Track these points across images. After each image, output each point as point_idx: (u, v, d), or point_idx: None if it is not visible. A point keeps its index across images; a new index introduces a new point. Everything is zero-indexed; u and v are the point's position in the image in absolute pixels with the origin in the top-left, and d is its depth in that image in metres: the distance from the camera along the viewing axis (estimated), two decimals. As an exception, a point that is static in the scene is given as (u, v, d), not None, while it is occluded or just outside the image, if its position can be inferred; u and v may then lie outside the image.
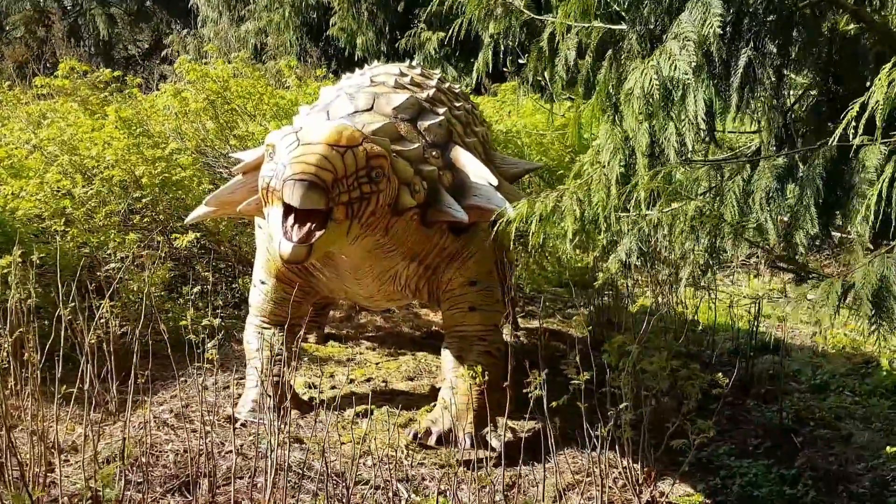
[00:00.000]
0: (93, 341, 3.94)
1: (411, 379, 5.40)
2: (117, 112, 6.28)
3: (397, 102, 4.41)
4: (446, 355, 4.50)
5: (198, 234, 6.13)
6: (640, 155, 3.10)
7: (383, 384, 5.32)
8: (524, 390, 3.53)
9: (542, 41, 3.80)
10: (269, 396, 4.52)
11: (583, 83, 3.69)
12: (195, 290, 5.61)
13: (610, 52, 3.36)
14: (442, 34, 15.52)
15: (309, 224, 3.49)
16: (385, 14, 16.97)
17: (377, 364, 5.70)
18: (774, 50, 3.08)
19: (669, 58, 2.92)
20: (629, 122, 3.15)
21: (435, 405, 4.48)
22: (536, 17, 3.83)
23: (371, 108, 4.39)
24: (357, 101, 4.41)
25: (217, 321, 4.10)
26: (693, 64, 2.89)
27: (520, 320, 6.62)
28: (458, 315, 4.49)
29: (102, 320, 4.19)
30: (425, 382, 5.31)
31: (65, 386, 3.80)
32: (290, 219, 3.52)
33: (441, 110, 4.67)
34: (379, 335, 6.39)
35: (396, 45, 16.00)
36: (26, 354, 3.65)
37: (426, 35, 15.58)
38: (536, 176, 8.37)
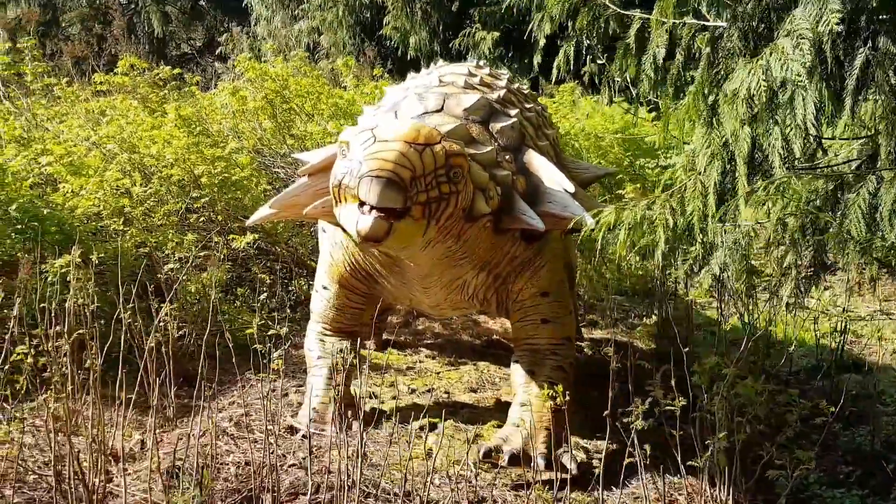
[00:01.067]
0: (153, 345, 3.82)
1: (474, 391, 5.21)
2: (177, 110, 6.17)
3: (468, 103, 4.21)
4: (517, 369, 4.29)
5: (255, 236, 5.99)
6: (741, 161, 2.87)
7: (445, 395, 5.13)
8: (626, 419, 3.30)
9: (629, 38, 3.58)
10: (332, 407, 4.38)
11: (672, 83, 3.47)
12: (262, 296, 5.50)
13: (707, 49, 3.12)
14: (497, 34, 15.33)
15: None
16: (439, 13, 16.80)
17: (438, 374, 5.51)
18: (894, 49, 2.83)
19: (781, 57, 2.69)
20: (729, 126, 2.92)
21: (505, 422, 4.27)
22: (624, 12, 3.61)
23: (441, 109, 4.20)
24: (427, 102, 4.22)
25: (284, 329, 3.91)
26: (807, 64, 2.66)
27: (582, 329, 6.40)
28: (529, 327, 4.29)
29: (162, 323, 4.08)
30: (489, 395, 5.11)
31: (123, 390, 3.67)
32: (366, 207, 3.39)
33: (513, 112, 4.46)
34: (438, 342, 6.20)
35: (450, 44, 15.84)
36: (87, 361, 3.52)
37: (480, 34, 15.39)
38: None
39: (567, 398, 3.44)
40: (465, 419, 4.64)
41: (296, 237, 6.93)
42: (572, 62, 3.99)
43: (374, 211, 3.33)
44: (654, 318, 6.19)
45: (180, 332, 5.34)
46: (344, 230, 3.81)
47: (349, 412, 4.34)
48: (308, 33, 19.88)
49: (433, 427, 4.48)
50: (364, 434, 4.31)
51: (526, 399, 4.15)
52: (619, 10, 3.62)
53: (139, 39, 21.98)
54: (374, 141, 3.41)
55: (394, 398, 5.00)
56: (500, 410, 4.77)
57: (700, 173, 3.00)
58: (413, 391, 5.15)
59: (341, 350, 4.57)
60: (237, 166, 6.09)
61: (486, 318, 6.60)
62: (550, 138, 4.82)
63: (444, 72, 4.86)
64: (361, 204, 3.36)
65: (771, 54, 2.73)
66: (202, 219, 6.18)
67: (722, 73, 3.03)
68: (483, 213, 3.75)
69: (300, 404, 4.87)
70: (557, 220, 3.94)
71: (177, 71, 8.04)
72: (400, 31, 16.90)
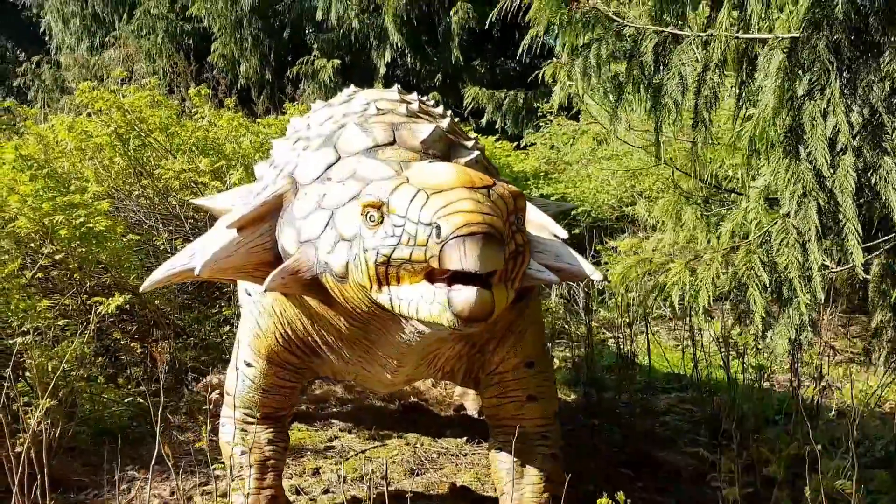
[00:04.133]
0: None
1: (415, 473, 4.43)
2: (18, 149, 5.02)
3: (424, 135, 3.46)
4: (500, 461, 3.57)
5: (127, 297, 4.95)
6: (848, 197, 2.32)
7: (383, 482, 4.31)
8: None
9: (644, 53, 2.99)
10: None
11: (705, 105, 2.90)
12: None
13: (777, 62, 2.56)
14: (337, 62, 14.61)
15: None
16: (271, 40, 15.87)
17: (364, 452, 4.69)
18: None
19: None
20: (820, 156, 2.37)
21: None
22: (636, 25, 3.01)
23: (393, 142, 3.43)
24: (373, 133, 3.43)
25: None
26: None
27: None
28: (511, 406, 3.57)
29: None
30: (436, 478, 4.35)
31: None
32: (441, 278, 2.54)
33: (469, 144, 3.79)
34: (346, 410, 5.38)
35: (287, 72, 14.96)
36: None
37: (320, 62, 14.62)
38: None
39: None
40: (423, 515, 3.87)
41: (158, 297, 5.90)
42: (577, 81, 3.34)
43: (466, 280, 2.48)
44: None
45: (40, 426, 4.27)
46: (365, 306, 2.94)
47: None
48: (121, 61, 18.33)
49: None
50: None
51: (518, 503, 3.45)
52: (628, 23, 3.02)
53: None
54: (424, 193, 2.58)
55: (326, 492, 4.16)
56: (459, 499, 4.04)
57: (788, 216, 2.42)
58: (344, 479, 4.31)
59: (271, 441, 3.71)
60: (99, 214, 5.02)
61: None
62: (494, 174, 4.17)
63: (370, 97, 4.10)
64: (440, 277, 2.52)
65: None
66: (53, 278, 5.08)
67: (803, 90, 2.47)
68: None
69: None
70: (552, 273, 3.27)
71: (8, 104, 6.76)
72: (228, 58, 15.84)
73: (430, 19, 14.77)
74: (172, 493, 4.18)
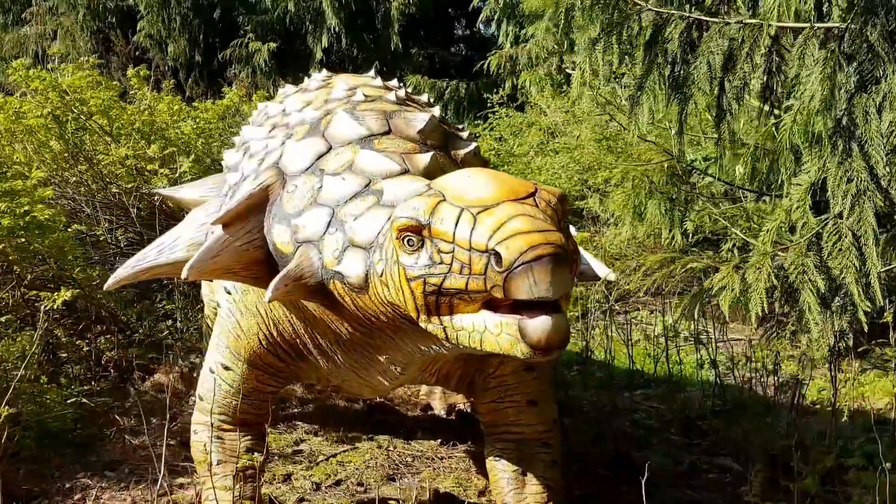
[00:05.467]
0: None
1: (392, 478, 4.21)
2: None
3: (421, 124, 3.24)
4: (500, 469, 3.37)
5: (74, 291, 4.59)
6: None
7: (359, 488, 4.10)
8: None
9: (668, 41, 2.83)
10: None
11: (734, 95, 2.75)
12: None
13: (823, 52, 2.42)
14: (273, 45, 14.16)
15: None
16: (200, 20, 15.30)
17: (335, 457, 4.45)
18: None
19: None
20: (875, 153, 2.24)
21: None
22: (665, 10, 2.85)
23: (389, 132, 3.20)
24: (366, 122, 3.19)
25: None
26: None
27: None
28: (511, 411, 3.38)
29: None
30: (414, 484, 4.13)
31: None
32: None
33: (464, 134, 3.59)
34: (309, 411, 5.12)
35: (220, 55, 14.45)
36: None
37: (255, 45, 14.15)
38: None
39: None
40: (410, 525, 3.67)
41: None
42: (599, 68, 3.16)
43: (532, 304, 2.23)
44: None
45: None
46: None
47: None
48: (36, 39, 17.48)
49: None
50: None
51: None
52: (658, 8, 2.86)
53: None
54: (472, 214, 2.32)
55: (301, 501, 3.92)
56: (445, 505, 3.86)
57: (840, 217, 2.29)
58: (318, 487, 4.07)
59: (249, 449, 3.46)
60: (41, 202, 4.65)
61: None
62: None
63: (353, 83, 3.85)
64: (502, 302, 2.28)
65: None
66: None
67: (853, 82, 2.34)
68: None
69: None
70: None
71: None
72: (155, 38, 15.22)
73: (368, 4, 14.45)
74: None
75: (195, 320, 6.01)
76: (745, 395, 5.41)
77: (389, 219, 2.57)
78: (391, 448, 4.55)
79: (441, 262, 2.34)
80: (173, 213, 6.12)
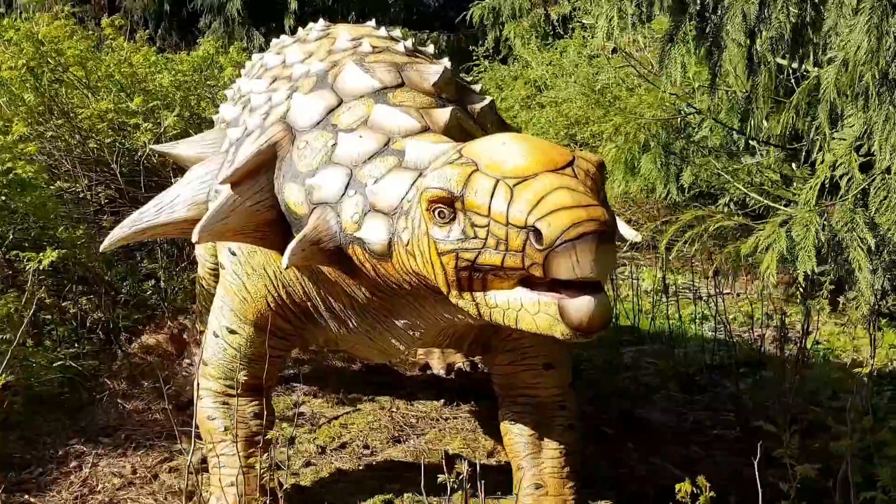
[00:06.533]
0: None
1: (398, 440, 4.12)
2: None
3: (435, 77, 3.09)
4: (516, 433, 3.27)
5: (61, 252, 4.41)
6: None
7: (366, 451, 4.02)
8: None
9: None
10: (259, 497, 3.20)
11: (769, 47, 2.63)
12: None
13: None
14: (248, -5, 13.75)
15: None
16: (168, -31, 14.80)
17: (337, 419, 4.36)
18: None
19: None
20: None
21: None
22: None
23: (402, 84, 3.04)
24: (378, 75, 3.03)
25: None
26: None
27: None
28: (527, 374, 3.27)
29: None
30: (421, 446, 4.05)
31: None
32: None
33: (477, 87, 3.45)
34: (305, 372, 5.00)
35: (191, 5, 14.01)
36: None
37: (228, -6, 13.72)
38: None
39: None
40: (421, 489, 3.58)
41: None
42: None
43: (580, 286, 2.12)
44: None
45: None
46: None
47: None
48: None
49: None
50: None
51: (539, 479, 3.18)
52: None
53: None
54: (508, 186, 2.18)
55: (308, 465, 3.83)
56: (453, 468, 3.76)
57: (887, 172, 2.20)
58: (323, 450, 3.98)
59: (256, 415, 3.34)
60: (23, 158, 4.44)
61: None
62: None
63: (356, 33, 3.68)
64: (540, 279, 2.16)
65: None
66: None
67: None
68: None
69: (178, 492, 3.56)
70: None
71: None
72: (124, -14, 14.71)
73: (345, -47, 14.10)
74: (135, 471, 3.75)
75: (181, 280, 5.85)
76: (748, 351, 5.41)
77: (414, 183, 2.46)
78: (394, 409, 4.46)
79: (475, 237, 2.22)
80: (156, 169, 5.93)
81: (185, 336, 5.27)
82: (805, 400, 4.40)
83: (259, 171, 2.80)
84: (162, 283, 5.72)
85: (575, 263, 2.07)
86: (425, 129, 2.72)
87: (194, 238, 2.75)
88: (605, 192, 2.39)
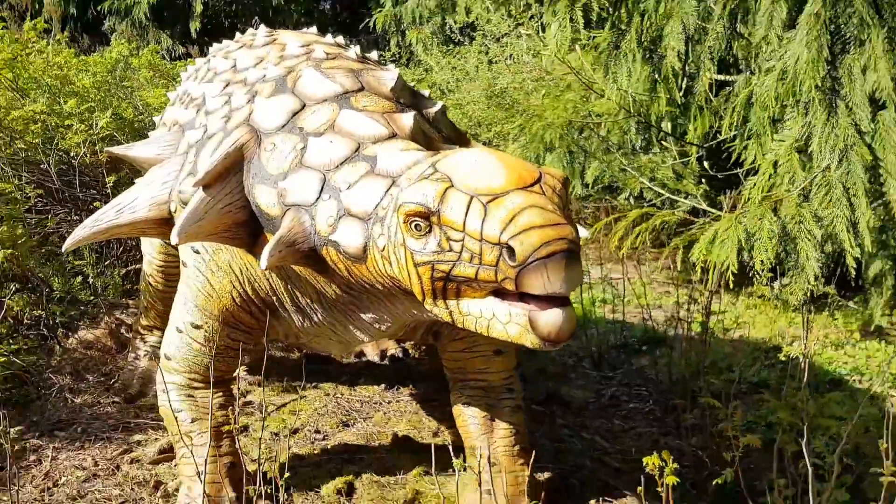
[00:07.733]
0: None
1: (347, 424, 4.37)
2: None
3: (391, 82, 3.27)
4: (468, 415, 3.54)
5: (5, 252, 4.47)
6: (890, 152, 2.45)
7: (318, 435, 4.24)
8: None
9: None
10: (228, 486, 3.39)
11: (709, 55, 2.97)
12: None
13: (806, 17, 2.61)
14: (154, -2, 13.58)
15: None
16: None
17: (285, 405, 4.57)
18: None
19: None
20: (860, 110, 2.47)
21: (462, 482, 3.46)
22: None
23: (362, 89, 3.24)
24: (338, 79, 3.20)
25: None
26: None
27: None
28: (478, 360, 3.54)
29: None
30: (373, 429, 4.30)
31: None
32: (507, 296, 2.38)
33: (425, 92, 3.69)
34: (245, 362, 5.15)
35: (98, 7, 13.71)
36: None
37: (134, -3, 13.52)
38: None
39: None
40: (377, 469, 3.84)
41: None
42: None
43: (549, 298, 2.30)
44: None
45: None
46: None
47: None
48: None
49: (350, 490, 3.65)
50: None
51: (493, 457, 3.46)
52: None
53: None
54: (482, 203, 2.34)
55: (275, 459, 4.03)
56: (404, 449, 4.04)
57: (828, 170, 2.53)
58: (276, 435, 4.19)
59: (222, 406, 3.53)
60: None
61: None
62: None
63: (305, 39, 3.87)
64: (510, 292, 2.33)
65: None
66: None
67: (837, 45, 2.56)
68: None
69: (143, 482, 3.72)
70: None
71: None
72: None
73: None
74: (96, 463, 3.89)
75: (111, 276, 5.93)
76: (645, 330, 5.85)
77: (388, 191, 2.62)
78: (339, 395, 4.70)
79: (450, 250, 2.38)
80: (87, 171, 5.97)
81: (122, 330, 5.36)
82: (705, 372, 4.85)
83: (228, 173, 2.94)
84: (90, 279, 5.78)
85: (546, 280, 2.24)
86: (393, 135, 2.91)
87: (173, 240, 2.91)
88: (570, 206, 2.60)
